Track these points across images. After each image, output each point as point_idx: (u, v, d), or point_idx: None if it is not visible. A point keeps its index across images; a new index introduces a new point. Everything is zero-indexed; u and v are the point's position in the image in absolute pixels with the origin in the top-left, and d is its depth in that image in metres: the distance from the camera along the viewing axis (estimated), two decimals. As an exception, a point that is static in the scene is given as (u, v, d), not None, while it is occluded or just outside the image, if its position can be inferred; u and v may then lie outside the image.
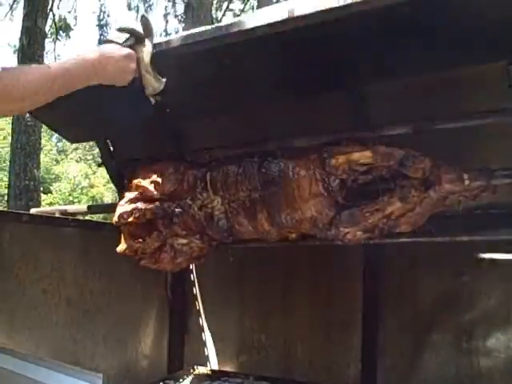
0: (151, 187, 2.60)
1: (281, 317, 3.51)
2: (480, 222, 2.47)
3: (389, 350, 3.11)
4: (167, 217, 2.61)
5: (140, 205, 2.62)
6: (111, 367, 3.37)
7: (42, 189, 13.78)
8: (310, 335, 3.39)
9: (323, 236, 2.36)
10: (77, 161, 25.21)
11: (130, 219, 2.63)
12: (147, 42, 2.05)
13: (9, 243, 2.83)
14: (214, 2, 18.68)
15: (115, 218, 2.70)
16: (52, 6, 12.19)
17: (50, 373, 1.75)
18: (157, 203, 2.60)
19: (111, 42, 1.97)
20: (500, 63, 1.92)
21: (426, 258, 3.03)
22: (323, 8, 1.81)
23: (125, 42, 1.99)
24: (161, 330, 3.82)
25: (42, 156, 12.12)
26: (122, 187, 2.80)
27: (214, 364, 3.73)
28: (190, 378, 3.37)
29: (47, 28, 11.96)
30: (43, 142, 16.54)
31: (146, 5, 20.44)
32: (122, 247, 2.79)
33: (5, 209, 10.90)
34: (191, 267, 3.81)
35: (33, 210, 3.48)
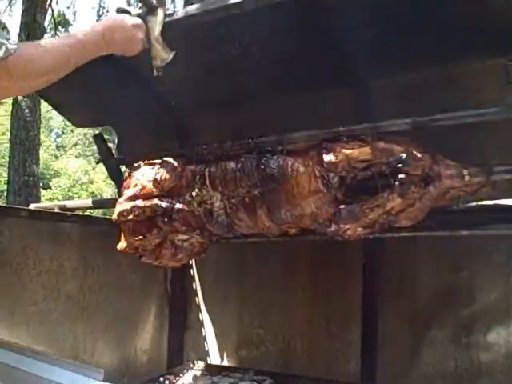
0: (150, 184, 2.60)
1: (280, 312, 3.51)
2: (480, 216, 2.48)
3: (388, 345, 3.11)
4: (167, 214, 2.61)
5: (139, 202, 2.61)
6: (111, 363, 3.38)
7: (41, 184, 13.76)
8: (309, 330, 3.39)
9: (323, 231, 2.36)
10: (76, 156, 25.20)
11: (130, 217, 2.63)
12: (159, 11, 2.05)
13: (8, 239, 2.83)
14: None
15: (115, 216, 2.70)
16: (51, 1, 12.13)
17: (50, 367, 1.74)
18: (156, 200, 2.60)
19: (123, 11, 1.99)
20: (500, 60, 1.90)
21: (426, 253, 3.03)
22: None
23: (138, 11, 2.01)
24: (160, 326, 3.82)
25: (41, 152, 12.08)
26: (120, 184, 2.79)
27: (213, 359, 3.74)
28: (190, 373, 3.37)
29: (46, 23, 11.91)
30: (42, 137, 16.53)
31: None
32: (122, 245, 2.79)
33: (4, 204, 10.89)
34: (191, 263, 3.80)
35: (32, 206, 3.47)
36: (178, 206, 2.57)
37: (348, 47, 2.44)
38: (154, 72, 2.12)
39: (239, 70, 2.77)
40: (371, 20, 2.21)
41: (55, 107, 3.36)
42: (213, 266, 3.77)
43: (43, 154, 18.91)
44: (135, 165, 2.76)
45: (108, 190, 19.46)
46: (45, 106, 11.09)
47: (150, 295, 3.76)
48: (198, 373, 3.35)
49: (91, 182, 21.46)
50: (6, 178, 11.61)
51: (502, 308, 2.81)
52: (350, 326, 3.22)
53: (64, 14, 14.20)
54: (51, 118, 26.74)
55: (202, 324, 3.82)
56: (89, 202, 3.77)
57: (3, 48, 1.50)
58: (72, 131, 26.56)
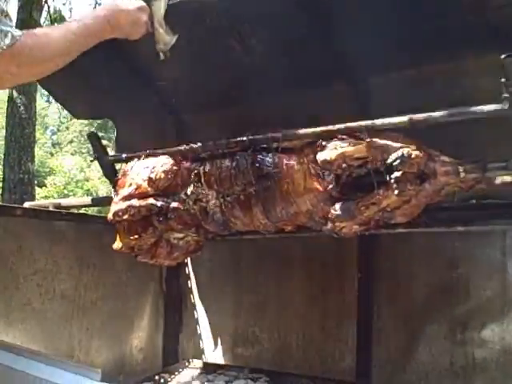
0: (145, 184, 2.59)
1: (276, 310, 3.51)
2: (475, 212, 2.49)
3: (383, 342, 3.11)
4: (162, 212, 2.60)
5: (134, 202, 2.60)
6: (106, 361, 3.37)
7: (36, 182, 13.72)
8: (304, 328, 3.39)
9: (319, 229, 2.36)
10: (72, 154, 25.15)
11: (125, 217, 2.62)
12: None
13: (2, 237, 2.81)
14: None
15: (110, 216, 2.69)
16: (47, -2, 12.09)
17: (47, 368, 1.74)
18: (151, 199, 2.58)
19: None
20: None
21: (421, 250, 3.04)
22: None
23: None
24: (156, 324, 3.82)
25: (36, 149, 12.04)
26: (115, 182, 2.78)
27: (209, 357, 3.73)
28: (186, 371, 3.38)
29: (42, 20, 11.85)
30: (38, 134, 16.47)
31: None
32: (117, 245, 2.78)
33: (-1, 202, 10.86)
34: (186, 261, 3.80)
35: (27, 204, 3.46)
36: (174, 204, 2.57)
37: (347, 44, 2.45)
38: (161, 56, 2.15)
39: (239, 66, 2.78)
40: (370, 17, 2.21)
41: (56, 98, 3.39)
42: (208, 265, 3.77)
43: (38, 152, 18.85)
44: (129, 164, 2.75)
45: (103, 188, 19.42)
46: (40, 104, 11.06)
47: (146, 294, 3.75)
48: (194, 371, 3.36)
49: (87, 180, 21.43)
50: (1, 176, 11.58)
51: (497, 305, 2.81)
52: (346, 323, 3.22)
53: (60, 11, 14.14)
54: (46, 115, 26.69)
55: (197, 322, 3.81)
56: (84, 200, 3.77)
57: (9, 35, 1.52)
58: (67, 128, 26.51)
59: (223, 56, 2.75)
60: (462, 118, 2.01)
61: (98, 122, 23.94)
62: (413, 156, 1.98)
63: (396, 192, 2.03)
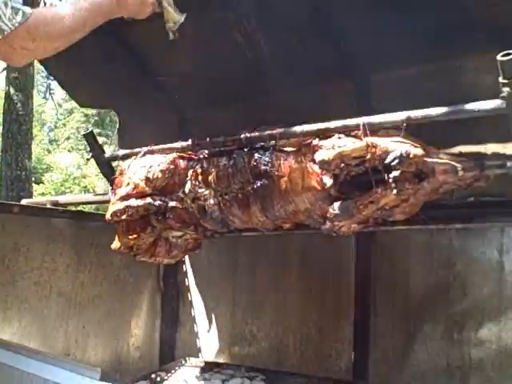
0: (142, 183, 2.58)
1: (273, 309, 3.51)
2: (473, 210, 2.49)
3: (380, 341, 3.11)
4: (160, 212, 2.60)
5: (132, 202, 2.58)
6: (103, 359, 3.37)
7: (33, 179, 13.69)
8: (301, 327, 3.39)
9: (317, 226, 2.36)
10: (69, 150, 25.05)
11: (124, 217, 2.61)
12: None
13: (0, 235, 2.81)
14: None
15: (108, 216, 2.68)
16: (44, -7, 12.06)
17: (46, 366, 1.73)
18: (149, 199, 2.58)
19: None
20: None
21: (418, 250, 3.04)
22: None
23: None
24: (153, 322, 3.82)
25: (33, 146, 12.01)
26: (113, 180, 2.78)
27: (206, 355, 3.73)
28: (182, 369, 3.37)
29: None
30: (35, 131, 16.42)
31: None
32: (116, 245, 2.77)
33: (-4, 199, 10.83)
34: (184, 259, 3.80)
35: (24, 201, 3.45)
36: (172, 203, 2.56)
37: (350, 42, 2.45)
38: (170, 35, 2.19)
39: (242, 62, 2.79)
40: (372, 16, 2.22)
41: (62, 85, 3.43)
42: (206, 263, 3.77)
43: (35, 148, 18.80)
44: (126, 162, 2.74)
45: (101, 185, 19.38)
46: (37, 100, 11.03)
47: (143, 291, 3.75)
48: (190, 369, 3.35)
49: (84, 177, 21.36)
50: (-2, 173, 11.54)
51: (493, 304, 2.81)
52: (343, 322, 3.23)
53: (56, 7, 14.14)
54: (44, 111, 26.60)
55: (194, 320, 3.82)
56: (81, 198, 3.77)
57: (20, 13, 1.61)
58: (64, 125, 26.42)
59: (227, 51, 2.76)
60: (459, 116, 2.00)
61: (96, 118, 23.93)
62: (411, 155, 1.97)
63: (394, 191, 2.03)
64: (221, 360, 3.63)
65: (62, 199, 3.53)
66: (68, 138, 25.51)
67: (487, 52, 2.16)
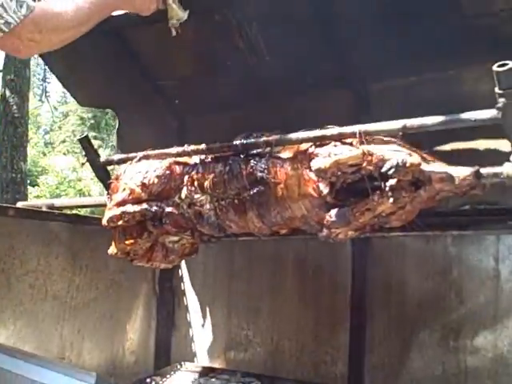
0: (138, 189, 2.57)
1: (269, 314, 3.50)
2: (469, 217, 2.50)
3: (376, 348, 3.11)
4: (157, 217, 2.60)
5: (129, 208, 2.58)
6: (97, 363, 3.35)
7: (28, 182, 13.66)
8: (297, 333, 3.38)
9: (314, 232, 2.36)
10: (64, 153, 25.02)
11: (120, 223, 2.61)
12: None
13: (-5, 237, 2.80)
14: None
15: (104, 222, 2.67)
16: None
17: (41, 370, 1.73)
18: (145, 205, 2.58)
19: None
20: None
21: (414, 257, 3.04)
22: None
23: None
24: (148, 326, 3.80)
25: (29, 148, 12.00)
26: (108, 185, 2.78)
27: (201, 360, 3.72)
28: (177, 374, 3.36)
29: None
30: (30, 134, 16.39)
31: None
32: (113, 250, 2.77)
33: (-9, 202, 10.80)
34: (180, 263, 3.79)
35: (19, 204, 3.44)
36: (168, 209, 2.56)
37: (350, 51, 2.46)
38: (173, 32, 2.22)
39: (243, 68, 2.80)
40: (372, 26, 2.23)
41: (62, 83, 3.44)
42: (201, 267, 3.77)
43: (31, 151, 18.77)
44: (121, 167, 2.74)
45: (96, 188, 19.33)
46: (33, 103, 11.02)
47: (138, 295, 3.74)
48: (186, 374, 3.34)
49: (79, 180, 21.33)
50: (-6, 175, 11.51)
51: (489, 312, 2.81)
52: (339, 328, 3.22)
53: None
54: (39, 114, 26.58)
55: (189, 325, 3.80)
56: (77, 201, 3.76)
57: (24, 6, 1.64)
58: (60, 128, 26.41)
59: (228, 56, 2.78)
60: (455, 125, 2.01)
61: (91, 121, 23.93)
62: (408, 164, 1.97)
63: (391, 200, 2.03)
64: (216, 365, 3.62)
65: (57, 202, 3.53)
66: (63, 141, 25.50)
67: (486, 61, 2.17)
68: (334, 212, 2.19)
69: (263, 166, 2.32)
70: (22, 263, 2.93)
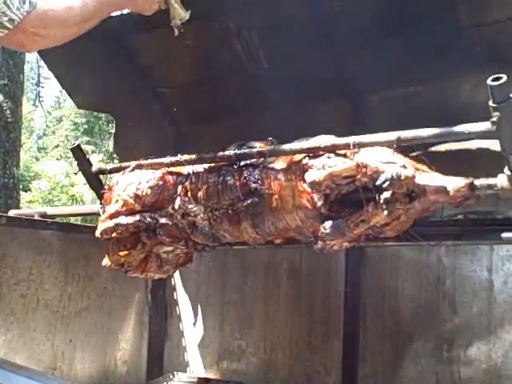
0: (131, 200, 2.56)
1: (262, 323, 3.49)
2: (463, 227, 2.50)
3: (369, 358, 3.11)
4: (150, 228, 2.58)
5: (122, 220, 2.57)
6: (89, 373, 3.33)
7: (21, 187, 13.59)
8: (290, 343, 3.37)
9: (308, 242, 2.36)
10: (57, 159, 24.91)
11: (114, 235, 2.59)
12: None
13: (-14, 246, 2.78)
14: None
15: (98, 234, 2.65)
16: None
17: (30, 383, 1.71)
18: (138, 216, 2.56)
19: None
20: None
21: (408, 267, 3.04)
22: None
23: None
24: (140, 336, 3.78)
25: (21, 153, 11.94)
26: (102, 195, 2.76)
27: (194, 370, 3.70)
28: (170, 384, 3.34)
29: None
30: (23, 139, 16.32)
31: None
32: (107, 262, 2.75)
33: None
34: (172, 272, 3.78)
35: (11, 212, 3.41)
36: (162, 220, 2.55)
37: (346, 62, 2.46)
38: (175, 31, 2.25)
39: (242, 76, 2.80)
40: (370, 34, 2.23)
41: (62, 84, 3.48)
42: (194, 276, 3.75)
43: (24, 156, 18.67)
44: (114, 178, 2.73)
45: (89, 194, 19.25)
46: (26, 108, 10.99)
47: (131, 305, 3.72)
48: (178, 384, 3.32)
49: (72, 185, 21.24)
50: (-15, 181, 11.44)
51: (483, 323, 2.82)
52: (332, 338, 3.21)
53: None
54: (32, 119, 26.48)
55: (182, 334, 3.78)
56: (70, 210, 3.74)
57: (27, 2, 1.67)
58: (53, 133, 26.29)
59: (227, 64, 2.78)
60: (450, 138, 2.01)
61: (85, 126, 23.84)
62: (402, 177, 1.96)
63: (385, 212, 2.03)
64: (209, 375, 3.60)
65: (50, 211, 3.50)
66: (57, 146, 25.37)
67: (483, 71, 2.18)
68: (328, 224, 2.18)
69: (257, 176, 2.30)
70: (14, 272, 2.91)
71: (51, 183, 20.33)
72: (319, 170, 2.12)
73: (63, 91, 3.73)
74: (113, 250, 2.67)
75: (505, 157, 1.90)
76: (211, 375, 3.59)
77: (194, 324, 3.76)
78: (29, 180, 21.09)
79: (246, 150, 2.35)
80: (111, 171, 2.80)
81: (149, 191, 2.53)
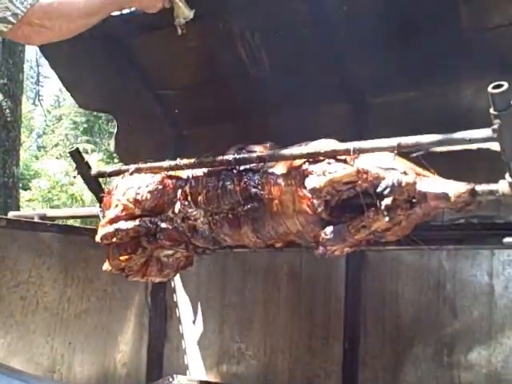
0: (131, 205, 2.55)
1: (262, 327, 3.48)
2: (464, 232, 2.50)
3: (369, 362, 3.10)
4: (151, 232, 2.57)
5: (122, 224, 2.56)
6: (89, 376, 3.32)
7: (21, 185, 13.57)
8: (290, 346, 3.36)
9: (309, 246, 2.35)
10: (57, 157, 24.89)
11: (114, 240, 2.59)
12: None
13: (-15, 248, 2.77)
14: None
15: (98, 239, 2.65)
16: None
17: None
18: (139, 221, 2.55)
19: None
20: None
21: (409, 271, 3.03)
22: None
23: None
24: (140, 338, 3.77)
25: (21, 152, 11.93)
26: (101, 198, 2.75)
27: (193, 373, 3.69)
28: (169, 387, 3.33)
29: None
30: (23, 137, 16.31)
31: None
32: (107, 267, 2.74)
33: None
34: (172, 275, 3.77)
35: (11, 214, 3.40)
36: (162, 225, 2.54)
37: (348, 66, 2.46)
38: (178, 30, 2.26)
39: (244, 78, 2.79)
40: (372, 38, 2.23)
41: (64, 84, 3.47)
42: (194, 279, 3.74)
43: (23, 155, 18.66)
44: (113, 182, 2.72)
45: (88, 193, 19.25)
46: (26, 106, 10.98)
47: (130, 307, 3.71)
48: (178, 387, 3.31)
49: (71, 184, 21.22)
50: (-15, 180, 11.43)
51: (483, 327, 2.81)
52: (332, 342, 3.21)
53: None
54: (32, 118, 26.47)
55: (182, 337, 3.78)
56: (70, 212, 3.73)
57: None
58: (53, 132, 26.29)
59: (230, 66, 2.78)
60: (450, 144, 2.00)
61: (84, 125, 23.84)
62: (403, 184, 1.95)
63: (386, 218, 2.02)
64: (209, 378, 3.60)
65: (50, 213, 3.50)
66: (56, 145, 25.37)
67: (485, 76, 2.17)
68: (329, 229, 2.17)
69: (257, 181, 2.30)
70: (13, 274, 2.90)
71: (51, 182, 20.30)
72: (319, 176, 2.10)
73: (63, 90, 3.76)
74: (113, 255, 2.66)
75: (506, 163, 1.90)
76: (211, 378, 3.59)
77: (194, 326, 3.75)
78: (28, 179, 21.09)
79: (246, 155, 2.33)
80: (110, 175, 2.79)
81: (148, 196, 2.52)
